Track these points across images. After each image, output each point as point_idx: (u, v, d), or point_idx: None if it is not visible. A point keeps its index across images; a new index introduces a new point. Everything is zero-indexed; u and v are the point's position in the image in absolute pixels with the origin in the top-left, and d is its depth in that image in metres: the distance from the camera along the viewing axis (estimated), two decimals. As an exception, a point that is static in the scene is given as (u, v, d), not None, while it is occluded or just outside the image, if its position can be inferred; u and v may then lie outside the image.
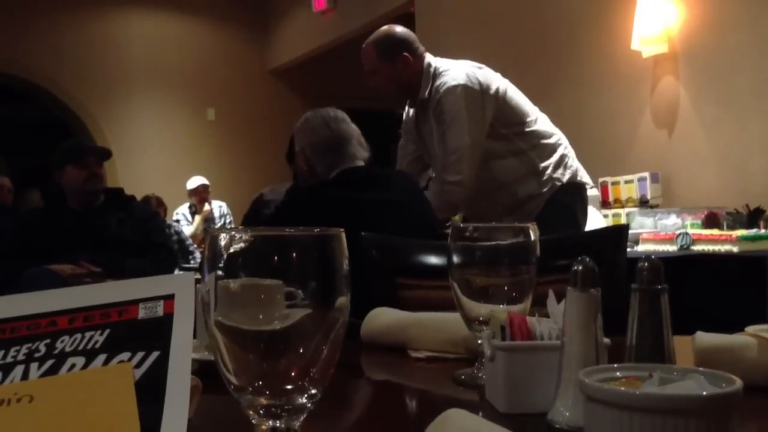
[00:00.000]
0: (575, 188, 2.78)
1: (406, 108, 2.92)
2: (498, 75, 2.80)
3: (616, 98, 4.16)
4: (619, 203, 3.80)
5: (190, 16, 8.21)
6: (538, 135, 2.75)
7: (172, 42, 8.12)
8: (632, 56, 3.96)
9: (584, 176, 2.84)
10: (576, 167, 2.80)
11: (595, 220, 3.49)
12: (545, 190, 2.72)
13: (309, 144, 2.16)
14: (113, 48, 7.85)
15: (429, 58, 2.78)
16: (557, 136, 2.81)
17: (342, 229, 0.54)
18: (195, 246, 6.03)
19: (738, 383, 0.55)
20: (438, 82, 2.70)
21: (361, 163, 2.14)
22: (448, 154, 2.64)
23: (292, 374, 0.52)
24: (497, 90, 2.71)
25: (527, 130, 2.74)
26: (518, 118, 2.74)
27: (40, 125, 8.06)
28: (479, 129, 2.67)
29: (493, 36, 4.99)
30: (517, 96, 2.78)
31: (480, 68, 2.77)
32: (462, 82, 2.66)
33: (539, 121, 2.80)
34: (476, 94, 2.66)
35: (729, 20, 3.60)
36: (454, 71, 2.71)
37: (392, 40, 2.78)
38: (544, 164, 2.73)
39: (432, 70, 2.74)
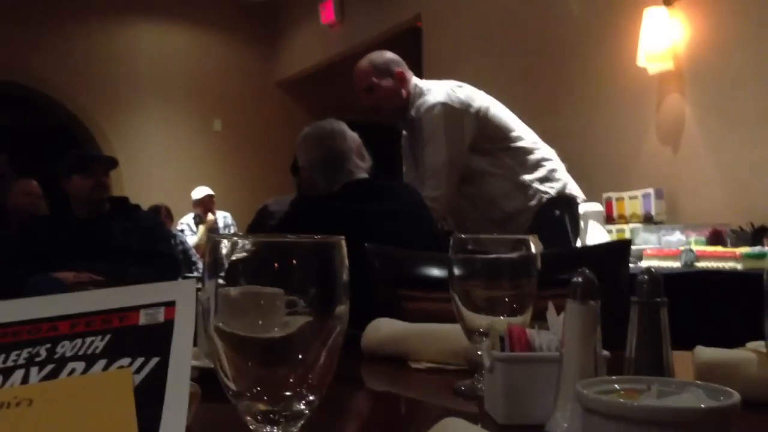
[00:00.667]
0: (564, 201, 2.81)
1: (404, 132, 2.98)
2: (481, 93, 2.86)
3: (622, 114, 4.16)
4: (623, 219, 3.79)
5: (198, 28, 8.26)
6: (524, 150, 2.80)
7: (180, 53, 8.17)
8: (638, 73, 3.97)
9: (574, 190, 2.87)
10: (565, 181, 2.83)
11: (599, 235, 3.49)
12: (533, 203, 2.75)
13: (308, 162, 2.21)
14: (122, 58, 7.90)
15: (415, 79, 2.87)
16: (543, 150, 2.85)
17: (342, 237, 0.54)
18: (198, 257, 6.04)
19: (736, 397, 0.55)
20: (419, 101, 2.78)
21: (365, 175, 2.15)
22: (426, 170, 2.71)
23: (291, 381, 0.52)
24: (478, 108, 2.77)
25: (512, 145, 2.79)
26: (502, 134, 2.79)
27: (47, 134, 8.09)
28: (457, 146, 2.73)
29: (499, 51, 5.01)
30: (500, 113, 2.83)
31: (460, 86, 2.83)
32: (441, 100, 2.74)
33: (524, 136, 2.84)
34: (455, 112, 2.73)
35: (735, 38, 3.60)
36: (435, 90, 2.80)
37: (387, 58, 2.88)
38: (530, 178, 2.77)
39: (417, 90, 2.83)
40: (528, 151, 2.80)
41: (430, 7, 5.75)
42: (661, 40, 3.79)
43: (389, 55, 2.89)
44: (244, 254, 0.54)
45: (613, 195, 3.87)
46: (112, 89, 7.82)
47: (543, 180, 2.78)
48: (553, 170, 2.81)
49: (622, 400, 0.57)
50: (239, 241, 0.54)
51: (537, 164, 2.80)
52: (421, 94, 2.81)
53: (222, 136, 8.28)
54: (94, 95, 7.75)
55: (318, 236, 0.54)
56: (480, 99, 2.82)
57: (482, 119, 2.76)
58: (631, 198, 3.78)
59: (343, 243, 0.54)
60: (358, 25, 6.85)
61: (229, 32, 8.39)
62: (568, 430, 0.66)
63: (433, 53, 5.66)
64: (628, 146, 4.11)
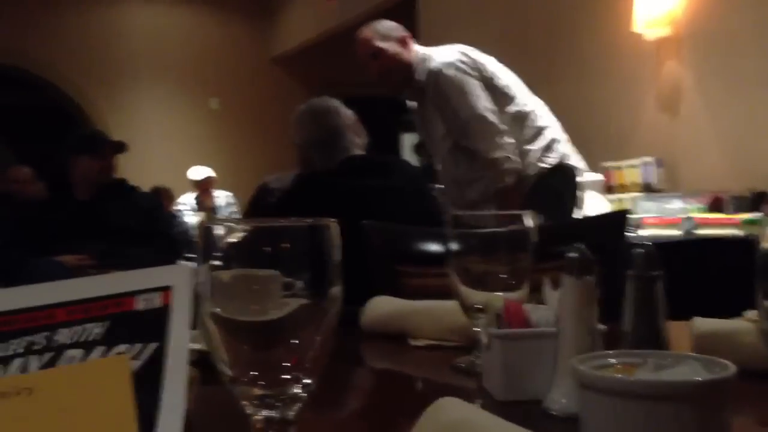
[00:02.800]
0: (563, 172, 2.78)
1: (413, 105, 2.96)
2: (487, 56, 2.84)
3: (619, 82, 4.14)
4: (623, 188, 3.78)
5: (192, 5, 8.19)
6: (526, 117, 2.78)
7: (175, 31, 8.10)
8: (635, 39, 3.94)
9: (575, 161, 2.85)
10: (565, 152, 2.81)
11: (599, 205, 3.49)
12: (531, 172, 2.73)
13: (303, 140, 2.21)
14: (116, 37, 7.84)
15: (417, 46, 2.86)
16: (546, 119, 2.83)
17: (334, 219, 0.54)
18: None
19: (732, 369, 0.56)
20: (426, 66, 2.76)
21: (361, 152, 2.14)
22: (468, 124, 2.67)
23: (286, 364, 0.52)
24: (485, 67, 2.77)
25: (514, 110, 2.77)
26: (506, 99, 2.77)
27: (43, 115, 8.06)
28: (484, 97, 2.71)
29: (495, 22, 4.97)
30: (506, 77, 2.82)
31: (465, 48, 2.83)
32: (454, 59, 2.73)
33: (528, 104, 2.82)
34: (468, 69, 2.72)
35: (733, 2, 3.57)
36: (444, 52, 2.79)
37: (389, 24, 2.86)
38: (529, 147, 2.75)
39: (422, 56, 2.81)
40: (529, 118, 2.79)
41: (426, -21, 5.70)
42: (658, 5, 3.75)
43: (390, 22, 2.88)
44: (237, 238, 0.54)
45: (613, 164, 3.86)
46: (108, 69, 7.77)
47: (543, 149, 2.77)
48: (554, 140, 2.80)
49: (618, 375, 0.57)
50: (232, 225, 0.54)
51: (538, 132, 2.78)
52: (426, 59, 2.79)
53: (219, 114, 8.24)
54: (89, 75, 7.70)
55: (310, 219, 0.53)
56: (486, 60, 2.81)
57: (488, 80, 2.75)
58: (630, 167, 3.78)
59: (335, 225, 0.54)
60: (353, -2, 6.78)
61: (224, 9, 8.32)
62: (566, 405, 0.67)
63: (429, 26, 5.61)
64: (626, 114, 4.09)
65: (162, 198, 6.07)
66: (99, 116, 7.73)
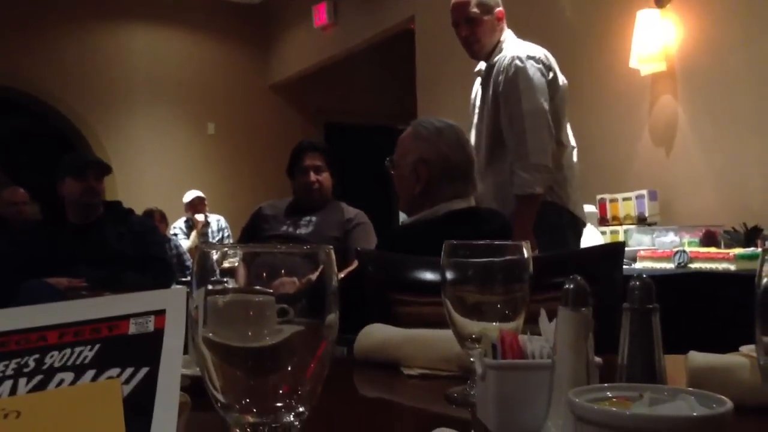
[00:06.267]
0: (568, 215, 2.78)
1: (476, 84, 2.94)
2: (563, 77, 2.83)
3: (615, 116, 4.17)
4: (617, 221, 3.80)
5: (191, 31, 8.25)
6: (559, 150, 2.75)
7: (173, 56, 8.15)
8: (631, 74, 3.98)
9: (576, 210, 2.82)
10: (569, 198, 2.79)
11: (593, 237, 3.49)
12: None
13: (438, 162, 1.88)
14: (114, 62, 7.88)
15: (508, 31, 2.87)
16: (570, 161, 2.82)
17: (331, 246, 0.54)
18: (192, 260, 6.02)
19: (728, 404, 0.55)
20: (513, 51, 2.73)
21: (473, 202, 1.92)
22: (526, 116, 2.62)
23: (280, 392, 0.51)
24: (556, 82, 2.74)
25: (557, 139, 2.74)
26: (556, 124, 2.73)
27: (40, 139, 8.07)
28: (547, 101, 2.67)
29: (492, 53, 5.01)
30: (563, 104, 2.80)
31: (550, 56, 2.81)
32: (539, 55, 2.71)
33: (567, 140, 2.81)
34: (545, 72, 2.71)
35: (727, 39, 3.62)
36: (531, 46, 2.77)
37: None
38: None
39: (507, 39, 2.81)
40: (562, 155, 2.77)
41: (423, 10, 5.75)
42: (654, 42, 3.80)
43: None
44: (234, 264, 0.53)
45: (607, 196, 3.88)
46: (106, 93, 7.80)
47: (557, 183, 2.75)
48: (565, 180, 2.77)
49: (614, 408, 0.57)
50: (228, 250, 0.53)
51: (558, 168, 2.75)
52: (510, 44, 2.78)
53: (216, 139, 8.27)
54: (87, 99, 7.72)
55: (307, 246, 0.53)
56: (562, 81, 2.79)
57: (553, 96, 2.73)
58: (624, 199, 3.79)
59: (332, 252, 0.54)
60: (352, 28, 6.84)
61: (223, 35, 8.38)
62: (561, 437, 0.66)
63: (426, 55, 5.66)
64: (621, 148, 4.12)
65: (156, 220, 6.06)
66: (96, 140, 7.74)
